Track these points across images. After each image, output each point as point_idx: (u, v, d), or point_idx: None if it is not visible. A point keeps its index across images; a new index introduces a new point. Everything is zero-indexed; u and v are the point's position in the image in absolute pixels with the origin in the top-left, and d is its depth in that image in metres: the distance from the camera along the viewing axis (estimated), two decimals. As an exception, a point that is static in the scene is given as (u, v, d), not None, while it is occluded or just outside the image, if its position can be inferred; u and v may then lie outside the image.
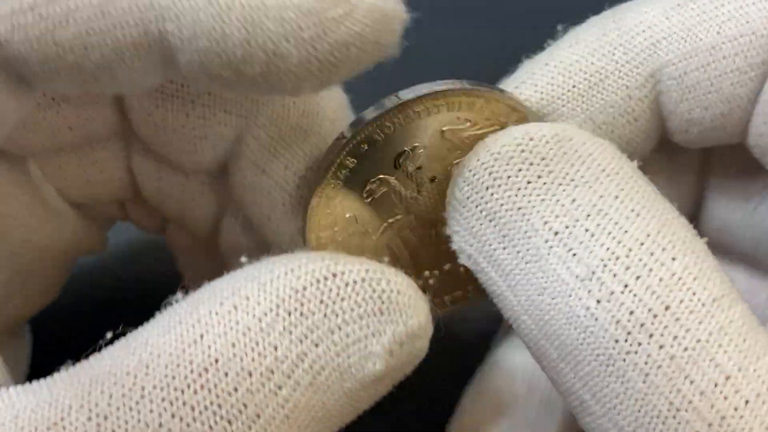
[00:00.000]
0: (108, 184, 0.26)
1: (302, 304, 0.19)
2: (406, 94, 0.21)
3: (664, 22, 0.23)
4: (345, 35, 0.18)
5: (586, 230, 0.19)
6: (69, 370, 0.19)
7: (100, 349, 0.19)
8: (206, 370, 0.18)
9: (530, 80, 0.23)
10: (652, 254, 0.19)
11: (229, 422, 0.18)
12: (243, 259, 0.20)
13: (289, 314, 0.19)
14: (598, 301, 0.19)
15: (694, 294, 0.18)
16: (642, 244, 0.19)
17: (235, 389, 0.18)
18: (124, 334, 0.19)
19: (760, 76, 0.23)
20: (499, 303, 0.21)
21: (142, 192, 0.26)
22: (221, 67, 0.19)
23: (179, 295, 0.20)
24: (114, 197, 0.27)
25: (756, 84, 0.23)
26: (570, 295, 0.19)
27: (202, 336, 0.18)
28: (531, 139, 0.21)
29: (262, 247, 0.25)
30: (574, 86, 0.23)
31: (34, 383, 0.18)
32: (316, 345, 0.19)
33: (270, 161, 0.23)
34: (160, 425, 0.17)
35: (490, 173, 0.21)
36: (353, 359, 0.19)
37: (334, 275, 0.19)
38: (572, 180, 0.20)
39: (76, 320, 0.29)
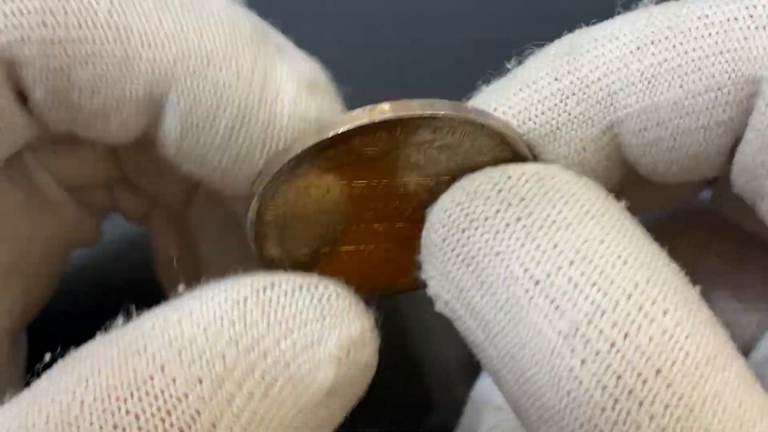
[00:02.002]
0: (99, 162, 0.26)
1: (244, 315, 0.19)
2: (399, 110, 0.20)
3: (622, 70, 0.20)
4: None
5: (570, 279, 0.18)
6: (19, 395, 0.18)
7: (39, 374, 0.19)
8: (151, 377, 0.17)
9: None
10: (641, 308, 0.17)
11: (181, 431, 0.17)
12: (180, 288, 0.20)
13: (233, 324, 0.18)
14: (583, 362, 0.17)
15: (687, 354, 0.17)
16: (630, 296, 0.18)
17: (185, 395, 0.17)
18: (63, 355, 0.19)
19: (729, 132, 0.20)
20: (478, 354, 0.20)
21: (123, 166, 0.27)
22: (196, 142, 0.19)
23: (120, 319, 0.19)
24: (104, 175, 0.27)
25: (725, 139, 0.20)
26: (552, 353, 0.18)
27: (145, 346, 0.18)
28: (509, 178, 0.20)
29: (230, 225, 0.25)
30: (522, 136, 0.21)
31: None
32: (265, 356, 0.18)
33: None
34: None
35: (466, 215, 0.20)
36: (304, 369, 0.19)
37: (272, 285, 0.19)
38: (554, 222, 0.19)
39: (67, 323, 0.28)
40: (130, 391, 0.17)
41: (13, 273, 0.25)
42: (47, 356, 0.19)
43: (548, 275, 0.18)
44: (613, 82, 0.20)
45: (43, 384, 0.18)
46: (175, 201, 0.27)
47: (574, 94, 0.21)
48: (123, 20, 0.18)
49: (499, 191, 0.20)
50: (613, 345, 0.17)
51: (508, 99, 0.21)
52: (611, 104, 0.20)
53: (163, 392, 0.17)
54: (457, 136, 0.21)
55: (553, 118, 0.21)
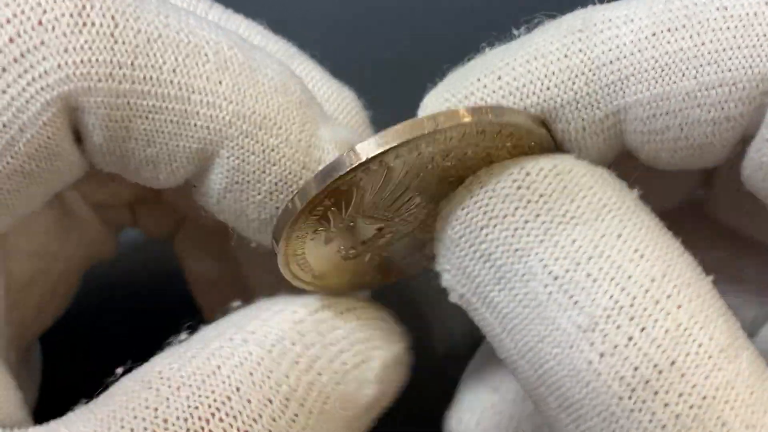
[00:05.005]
0: (126, 183, 0.25)
1: (303, 336, 0.20)
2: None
3: (636, 55, 0.20)
4: None
5: (588, 275, 0.18)
6: (83, 407, 0.19)
7: (108, 387, 0.20)
8: (228, 398, 0.19)
9: (480, 93, 0.21)
10: (657, 302, 0.18)
11: None
12: (235, 303, 0.22)
13: (294, 345, 0.20)
14: (602, 355, 0.18)
15: (700, 346, 0.18)
16: (647, 291, 0.18)
17: (260, 416, 0.19)
18: (131, 370, 0.20)
19: (738, 127, 0.20)
20: (495, 344, 0.20)
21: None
22: (238, 197, 0.20)
23: (183, 335, 0.21)
24: (130, 195, 0.28)
25: (732, 134, 0.20)
26: (571, 347, 0.18)
27: (219, 367, 0.19)
28: (528, 174, 0.20)
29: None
30: (525, 110, 0.21)
31: (51, 423, 0.19)
32: (320, 374, 0.20)
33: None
34: None
35: (484, 212, 0.20)
36: (352, 386, 0.20)
37: (324, 307, 0.21)
38: (572, 218, 0.19)
39: (81, 330, 0.31)
40: (212, 412, 0.19)
41: (30, 286, 0.26)
42: (119, 370, 0.20)
43: (567, 271, 0.19)
44: (626, 67, 0.20)
45: (120, 397, 0.19)
46: (208, 221, 0.27)
47: (583, 73, 0.20)
48: (186, 79, 0.19)
49: (518, 188, 0.20)
50: (630, 339, 0.18)
51: (513, 69, 0.21)
52: (621, 89, 0.20)
53: (240, 413, 0.19)
54: (463, 141, 0.20)
55: (558, 95, 0.20)
